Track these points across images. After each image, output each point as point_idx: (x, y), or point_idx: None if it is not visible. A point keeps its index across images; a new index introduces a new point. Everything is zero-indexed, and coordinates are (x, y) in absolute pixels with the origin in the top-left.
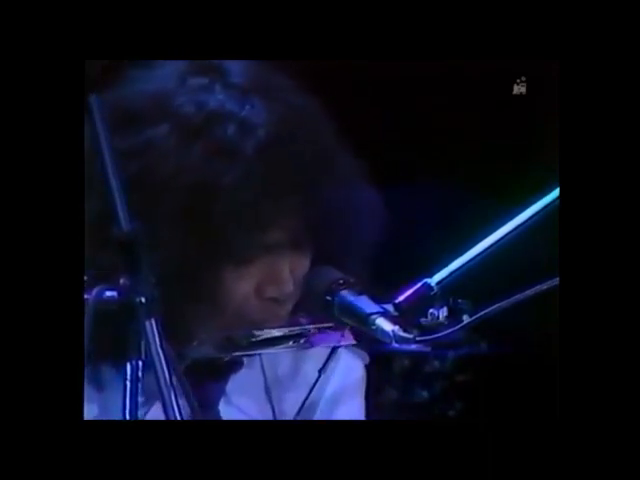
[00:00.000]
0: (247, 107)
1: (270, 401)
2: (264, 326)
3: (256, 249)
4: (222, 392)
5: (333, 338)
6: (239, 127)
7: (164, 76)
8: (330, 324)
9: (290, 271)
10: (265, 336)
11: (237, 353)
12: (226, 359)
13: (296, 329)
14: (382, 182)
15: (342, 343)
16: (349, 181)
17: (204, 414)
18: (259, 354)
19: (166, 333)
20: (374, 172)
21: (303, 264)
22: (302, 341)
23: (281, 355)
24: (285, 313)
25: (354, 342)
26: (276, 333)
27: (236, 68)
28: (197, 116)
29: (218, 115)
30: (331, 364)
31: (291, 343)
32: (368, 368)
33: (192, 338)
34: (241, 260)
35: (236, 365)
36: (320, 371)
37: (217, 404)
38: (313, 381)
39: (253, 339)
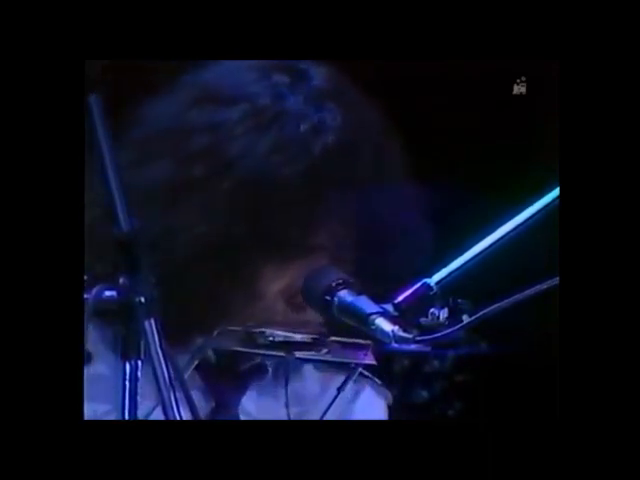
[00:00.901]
0: (323, 111)
1: (288, 416)
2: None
3: (298, 249)
4: (240, 397)
5: (355, 355)
6: (311, 127)
7: (248, 66)
8: (353, 340)
9: None
10: (286, 339)
11: (255, 351)
12: (250, 365)
13: (318, 337)
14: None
15: (365, 361)
16: (404, 204)
17: (221, 416)
18: (286, 368)
19: (188, 320)
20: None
21: None
22: (323, 351)
23: (307, 374)
24: (310, 321)
25: (375, 362)
26: (297, 337)
27: (320, 74)
28: (272, 108)
29: (293, 112)
30: (349, 384)
31: (311, 351)
32: (390, 409)
33: (214, 327)
34: (281, 257)
35: (260, 373)
36: (339, 389)
37: (235, 407)
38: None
39: (273, 339)
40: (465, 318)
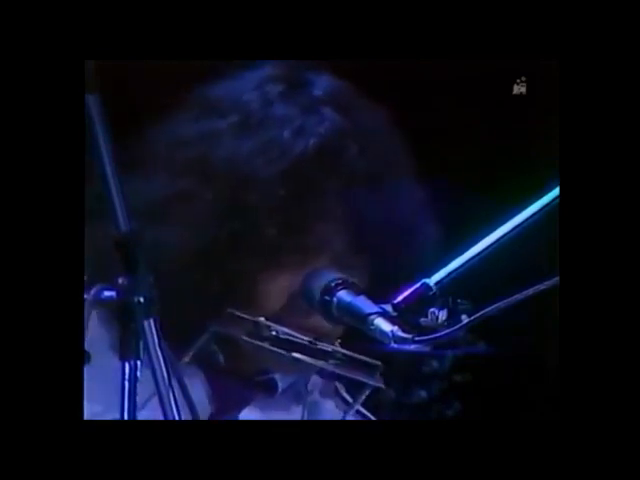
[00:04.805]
0: (311, 114)
1: None
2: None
3: (291, 251)
4: (241, 409)
5: (362, 374)
6: (294, 129)
7: (250, 78)
8: (364, 357)
9: None
10: (292, 339)
11: (257, 342)
12: (260, 378)
13: (327, 346)
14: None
15: (370, 382)
16: (405, 203)
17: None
18: (299, 392)
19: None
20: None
21: None
22: (330, 362)
23: (317, 401)
24: (318, 327)
25: (382, 385)
26: (305, 339)
27: (321, 84)
28: (260, 112)
29: (279, 116)
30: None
31: (317, 359)
32: None
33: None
34: (275, 260)
35: (269, 390)
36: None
37: (234, 418)
38: None
39: (278, 334)
40: (464, 318)
